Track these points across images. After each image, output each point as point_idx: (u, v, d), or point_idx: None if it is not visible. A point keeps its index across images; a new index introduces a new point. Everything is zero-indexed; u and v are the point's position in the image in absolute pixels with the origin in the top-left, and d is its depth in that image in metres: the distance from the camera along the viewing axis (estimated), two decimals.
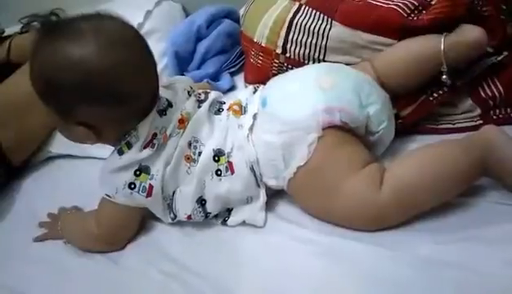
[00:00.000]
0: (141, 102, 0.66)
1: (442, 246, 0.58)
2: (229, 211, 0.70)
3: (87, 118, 0.64)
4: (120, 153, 0.67)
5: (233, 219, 0.69)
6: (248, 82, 0.95)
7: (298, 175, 0.64)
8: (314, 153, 0.62)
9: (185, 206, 0.68)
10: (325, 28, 0.80)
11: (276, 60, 0.86)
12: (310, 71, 0.72)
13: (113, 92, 0.62)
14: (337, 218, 0.63)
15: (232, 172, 0.67)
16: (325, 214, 0.65)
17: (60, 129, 0.71)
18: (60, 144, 0.92)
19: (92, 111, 0.63)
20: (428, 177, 0.60)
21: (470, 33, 0.68)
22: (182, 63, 1.02)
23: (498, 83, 0.72)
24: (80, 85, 0.61)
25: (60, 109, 0.65)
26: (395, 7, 0.76)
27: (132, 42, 0.65)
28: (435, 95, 0.73)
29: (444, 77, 0.70)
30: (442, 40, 0.68)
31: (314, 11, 0.82)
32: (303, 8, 0.84)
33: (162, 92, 0.70)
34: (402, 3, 0.76)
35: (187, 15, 1.17)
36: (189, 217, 0.68)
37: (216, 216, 0.70)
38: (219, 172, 0.67)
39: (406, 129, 0.75)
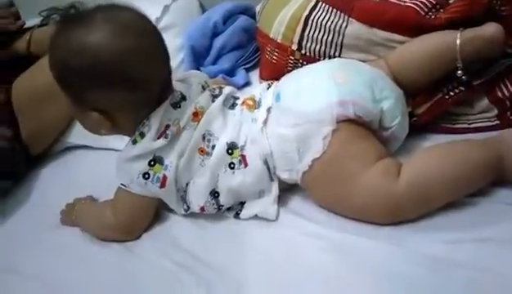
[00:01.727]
0: (152, 90, 0.67)
1: (452, 245, 0.58)
2: (242, 204, 0.70)
3: (99, 103, 0.66)
4: (134, 142, 0.68)
5: (246, 212, 0.69)
6: (263, 78, 0.96)
7: (312, 167, 0.64)
8: (329, 146, 0.63)
9: (198, 198, 0.69)
10: (341, 26, 0.80)
11: (291, 57, 0.86)
12: (323, 66, 0.73)
13: (123, 77, 0.64)
14: (352, 210, 0.64)
15: (246, 165, 0.67)
16: (340, 206, 0.65)
17: (76, 117, 0.73)
18: (78, 134, 0.94)
19: (103, 96, 0.65)
20: (445, 172, 0.60)
21: (487, 28, 0.67)
22: (198, 58, 1.03)
23: None
24: (91, 69, 0.63)
25: (74, 94, 0.67)
26: (412, 5, 0.75)
27: (145, 30, 0.67)
28: (451, 93, 0.72)
29: (459, 72, 0.69)
30: (459, 35, 0.68)
31: (331, 8, 0.82)
32: (319, 5, 0.84)
33: (176, 85, 0.71)
34: (420, 2, 0.76)
35: (204, 10, 1.18)
36: (202, 209, 0.69)
37: (229, 209, 0.71)
38: (232, 165, 0.68)
39: (420, 127, 0.74)
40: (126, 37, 0.64)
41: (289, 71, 0.87)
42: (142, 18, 0.67)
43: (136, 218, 0.72)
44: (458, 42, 0.67)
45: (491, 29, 0.67)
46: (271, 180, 0.68)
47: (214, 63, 1.03)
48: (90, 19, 0.64)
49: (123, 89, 0.65)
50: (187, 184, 0.70)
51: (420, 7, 0.75)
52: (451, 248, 0.58)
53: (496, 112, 0.73)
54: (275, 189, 0.68)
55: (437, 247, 0.58)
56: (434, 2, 0.75)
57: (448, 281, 0.55)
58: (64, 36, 0.64)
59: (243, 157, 0.68)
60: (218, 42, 1.03)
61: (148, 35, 0.67)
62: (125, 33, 0.64)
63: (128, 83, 0.65)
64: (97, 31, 0.63)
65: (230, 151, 0.68)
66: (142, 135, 0.68)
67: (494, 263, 0.55)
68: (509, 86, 0.72)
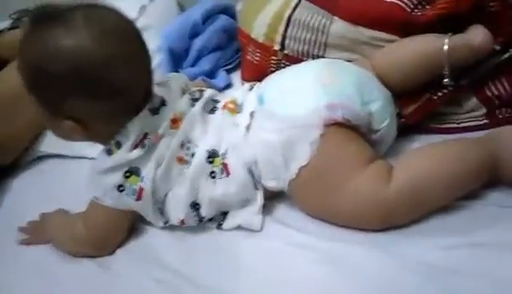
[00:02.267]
0: (133, 97, 0.63)
1: (446, 251, 0.56)
2: (224, 214, 0.67)
3: (75, 111, 0.61)
4: (109, 152, 0.64)
5: (228, 223, 0.66)
6: (245, 79, 0.93)
7: (300, 175, 0.61)
8: (317, 151, 0.60)
9: (177, 210, 0.65)
10: (325, 24, 0.78)
11: (273, 57, 0.84)
12: (308, 67, 0.70)
13: (104, 85, 0.60)
14: (343, 217, 0.61)
15: (228, 174, 0.64)
16: (330, 215, 0.62)
17: (47, 124, 0.68)
18: (50, 143, 0.89)
19: (81, 104, 0.61)
20: (439, 173, 0.58)
21: (475, 37, 0.65)
22: (177, 60, 0.99)
23: (504, 81, 0.70)
24: (70, 76, 0.58)
25: (48, 102, 0.62)
26: (398, 2, 0.73)
27: (127, 34, 0.62)
28: (439, 94, 0.70)
29: (446, 80, 0.68)
30: (446, 41, 0.66)
31: (314, 6, 0.80)
32: (302, 3, 0.81)
33: (155, 90, 0.67)
34: None
35: (183, 10, 1.15)
36: (182, 222, 0.65)
37: (210, 220, 0.67)
38: (214, 174, 0.64)
39: (408, 128, 0.72)
40: (108, 42, 0.59)
41: (272, 72, 0.85)
42: (124, 19, 0.63)
43: (110, 232, 0.68)
44: (446, 48, 0.65)
45: (478, 38, 0.65)
46: (256, 188, 0.65)
47: (194, 65, 1.00)
48: (69, 19, 0.59)
49: (102, 97, 0.61)
50: (165, 196, 0.66)
51: (406, 4, 0.73)
52: (446, 254, 0.56)
53: (484, 111, 0.72)
54: (260, 198, 0.65)
55: (431, 253, 0.56)
56: None
57: (446, 289, 0.53)
58: (37, 37, 0.59)
59: (225, 165, 0.64)
60: (198, 43, 1.00)
61: (132, 39, 0.63)
62: (108, 37, 0.59)
63: (109, 91, 0.60)
64: (77, 33, 0.58)
65: (210, 159, 0.64)
66: (119, 144, 0.64)
67: (491, 269, 0.54)
68: (497, 84, 0.70)
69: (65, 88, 0.59)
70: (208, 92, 0.71)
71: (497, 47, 0.69)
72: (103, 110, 0.62)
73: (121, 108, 0.62)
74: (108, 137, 0.65)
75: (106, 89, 0.60)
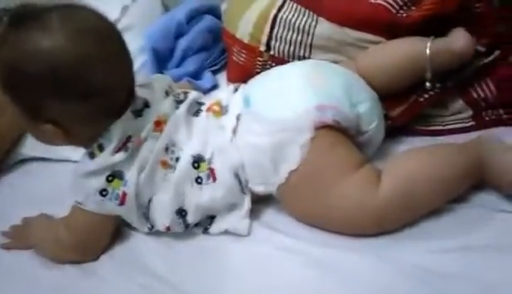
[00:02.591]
0: (113, 99, 0.62)
1: (438, 255, 0.56)
2: (211, 218, 0.66)
3: (54, 114, 0.60)
4: (92, 156, 0.63)
5: (215, 227, 0.65)
6: (230, 80, 0.92)
7: (290, 179, 0.60)
8: (307, 155, 0.59)
9: (163, 216, 0.64)
10: (310, 25, 0.77)
11: (259, 58, 0.83)
12: (296, 68, 0.69)
13: (82, 85, 0.58)
14: (334, 223, 0.60)
15: (214, 179, 0.63)
16: (320, 220, 0.62)
17: (27, 128, 0.67)
18: (32, 146, 0.87)
19: (60, 107, 0.59)
20: (426, 178, 0.58)
21: (457, 42, 0.66)
22: (161, 60, 0.97)
23: (490, 83, 0.70)
24: (47, 77, 0.57)
25: (26, 105, 0.60)
26: (383, 3, 0.73)
27: (104, 33, 0.61)
28: (425, 96, 0.70)
29: (428, 84, 0.68)
30: (429, 44, 0.66)
31: (299, 7, 0.79)
32: (287, 3, 0.80)
33: (138, 91, 0.66)
34: None
35: (167, 10, 1.13)
36: (168, 228, 0.64)
37: (197, 225, 0.66)
38: (200, 180, 0.63)
39: (395, 130, 0.72)
40: (85, 41, 0.58)
41: (258, 73, 0.84)
42: (103, 19, 0.62)
43: (92, 236, 0.66)
44: (428, 52, 0.66)
45: (460, 44, 0.65)
46: (243, 193, 0.64)
47: (178, 65, 0.99)
48: (45, 19, 0.57)
49: (82, 99, 0.59)
50: (149, 201, 0.64)
51: (391, 5, 0.73)
52: (438, 258, 0.56)
53: (470, 113, 0.72)
54: (247, 202, 0.64)
55: (423, 257, 0.56)
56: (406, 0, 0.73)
57: (438, 293, 0.53)
58: (14, 38, 0.57)
59: (211, 170, 0.63)
60: (182, 44, 0.98)
61: (110, 39, 0.61)
62: (84, 37, 0.58)
63: (86, 92, 0.59)
64: (53, 33, 0.57)
65: (196, 165, 0.63)
66: (101, 148, 0.62)
67: (482, 271, 0.54)
68: (483, 86, 0.71)
69: (41, 89, 0.58)
70: (193, 94, 0.70)
71: (482, 49, 0.69)
72: (82, 112, 0.60)
73: (100, 109, 0.61)
74: (90, 140, 0.63)
75: (83, 89, 0.59)
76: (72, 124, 0.61)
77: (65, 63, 0.56)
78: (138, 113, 0.64)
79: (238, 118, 0.64)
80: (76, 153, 0.69)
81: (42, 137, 0.65)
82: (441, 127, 0.73)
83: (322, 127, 0.60)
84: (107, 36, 0.61)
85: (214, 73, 0.99)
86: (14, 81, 0.59)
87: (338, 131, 0.61)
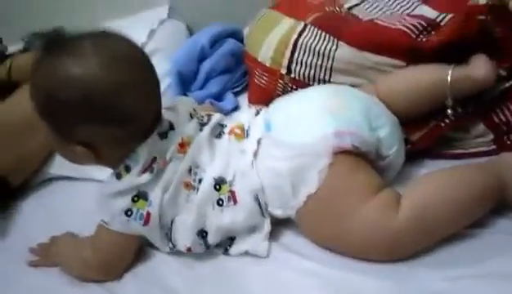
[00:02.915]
0: (143, 123, 0.64)
1: (456, 282, 0.55)
2: (231, 239, 0.66)
3: (86, 137, 0.62)
4: (118, 177, 0.64)
5: (235, 248, 0.66)
6: (252, 102, 0.93)
7: (308, 203, 0.61)
8: (325, 180, 0.60)
9: (184, 237, 0.65)
10: (330, 49, 0.78)
11: (280, 81, 0.84)
12: (316, 93, 0.70)
13: (114, 112, 0.60)
14: (351, 248, 0.60)
15: (235, 202, 0.64)
16: (337, 244, 0.61)
17: (57, 149, 0.69)
18: (59, 165, 0.90)
19: (92, 131, 0.61)
20: (446, 201, 0.58)
21: (478, 70, 0.65)
22: (185, 83, 1.00)
23: (511, 107, 0.69)
24: (80, 103, 0.59)
25: (59, 128, 0.63)
26: (403, 28, 0.74)
27: (136, 60, 0.63)
28: (446, 121, 0.70)
29: (449, 111, 0.68)
30: (450, 72, 0.66)
31: (320, 31, 0.81)
32: (308, 28, 0.82)
33: (164, 114, 0.68)
34: (411, 24, 0.74)
35: (191, 34, 1.16)
36: (189, 249, 0.65)
37: (217, 245, 0.67)
38: (221, 202, 0.64)
39: (416, 153, 0.72)
40: (118, 69, 0.60)
41: (279, 95, 0.86)
42: (134, 46, 0.64)
43: (117, 257, 0.67)
44: (449, 79, 0.66)
45: (481, 71, 0.65)
46: (263, 216, 0.65)
47: (202, 87, 1.01)
48: (78, 47, 0.60)
49: (113, 124, 0.61)
50: (172, 222, 0.66)
51: (411, 30, 0.73)
52: (456, 286, 0.55)
53: (492, 136, 0.71)
54: (267, 225, 0.65)
55: (441, 285, 0.55)
56: (425, 25, 0.74)
57: None
58: (49, 64, 0.60)
59: (232, 193, 0.64)
60: (206, 67, 1.01)
61: (141, 66, 0.63)
62: (117, 64, 0.60)
63: (119, 119, 0.61)
64: (87, 61, 0.59)
65: (217, 187, 0.64)
66: (128, 169, 0.64)
67: None
68: (504, 110, 0.70)
69: (74, 116, 0.60)
70: (216, 117, 0.72)
71: (503, 73, 0.69)
72: (113, 136, 0.62)
73: (131, 133, 0.63)
74: (117, 161, 0.65)
75: (116, 116, 0.61)
76: (102, 147, 0.63)
77: (97, 90, 0.58)
78: (164, 135, 0.66)
79: (259, 141, 0.65)
80: (102, 172, 0.71)
81: (71, 157, 0.67)
82: (462, 151, 0.72)
83: (341, 152, 0.60)
84: (138, 63, 0.63)
85: (236, 94, 1.01)
86: (48, 107, 0.61)
87: (357, 156, 0.61)
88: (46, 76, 0.60)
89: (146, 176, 0.63)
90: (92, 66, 0.59)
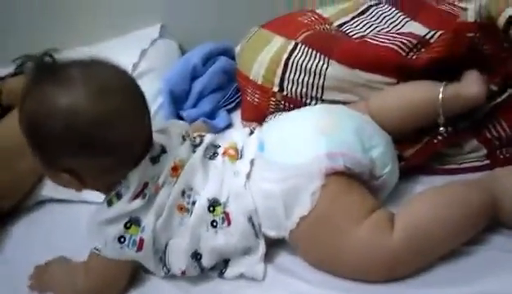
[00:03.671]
0: (132, 151, 0.63)
1: None
2: (226, 262, 0.66)
3: (70, 165, 0.62)
4: (109, 204, 0.64)
5: (230, 271, 0.65)
6: (244, 119, 0.93)
7: (301, 225, 0.60)
8: (318, 202, 0.59)
9: (179, 260, 0.64)
10: (322, 67, 0.79)
11: (273, 98, 0.85)
12: (309, 114, 0.70)
13: (99, 143, 0.60)
14: (345, 270, 0.60)
15: (229, 224, 0.63)
16: (331, 266, 0.61)
17: (45, 173, 0.69)
18: (51, 187, 0.88)
19: (77, 161, 0.61)
20: (438, 221, 0.58)
21: (470, 89, 0.66)
22: (178, 102, 1.00)
23: (503, 122, 0.70)
24: (63, 135, 0.58)
25: (45, 156, 0.63)
26: (393, 46, 0.74)
27: (124, 89, 0.63)
28: (439, 137, 0.70)
29: (442, 129, 0.68)
30: (441, 89, 0.66)
31: (310, 50, 0.81)
32: (299, 47, 0.83)
33: (155, 137, 0.67)
34: (400, 42, 0.75)
35: (183, 53, 1.16)
36: (183, 272, 0.64)
37: (212, 268, 0.66)
38: (215, 223, 0.64)
39: (410, 169, 0.72)
40: (105, 99, 0.59)
41: (272, 112, 0.86)
42: (122, 75, 0.63)
43: (110, 282, 0.66)
44: (440, 97, 0.66)
45: (473, 89, 0.66)
46: (257, 237, 0.64)
47: (194, 106, 1.01)
48: (65, 77, 0.59)
49: (99, 155, 0.60)
50: (166, 245, 0.65)
51: (401, 48, 0.74)
52: None
53: (485, 151, 0.72)
54: (262, 247, 0.64)
55: None
56: (415, 42, 0.74)
57: None
58: (36, 93, 0.59)
59: (226, 214, 0.64)
60: (198, 85, 1.01)
61: (129, 95, 0.63)
62: (104, 94, 0.59)
63: (105, 149, 0.60)
64: (74, 92, 0.58)
65: (211, 208, 0.64)
66: (119, 195, 0.63)
67: None
68: (496, 125, 0.70)
69: (60, 146, 0.60)
70: (208, 138, 0.71)
71: (494, 88, 0.69)
72: (99, 166, 0.62)
73: (119, 162, 0.62)
74: (106, 188, 0.64)
75: (102, 147, 0.60)
76: (88, 175, 0.63)
77: (83, 121, 0.58)
78: (156, 160, 0.65)
79: (252, 162, 0.65)
80: (95, 195, 0.70)
81: (59, 183, 0.67)
82: (456, 166, 0.72)
83: (334, 174, 0.60)
84: (126, 92, 0.63)
85: (229, 111, 1.01)
86: (34, 135, 0.61)
87: (350, 177, 0.61)
88: (32, 104, 0.60)
89: (138, 202, 0.63)
90: (78, 97, 0.58)
